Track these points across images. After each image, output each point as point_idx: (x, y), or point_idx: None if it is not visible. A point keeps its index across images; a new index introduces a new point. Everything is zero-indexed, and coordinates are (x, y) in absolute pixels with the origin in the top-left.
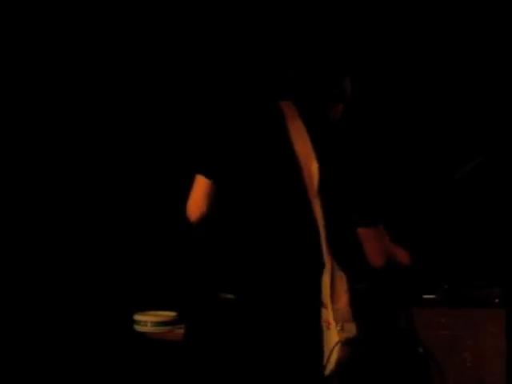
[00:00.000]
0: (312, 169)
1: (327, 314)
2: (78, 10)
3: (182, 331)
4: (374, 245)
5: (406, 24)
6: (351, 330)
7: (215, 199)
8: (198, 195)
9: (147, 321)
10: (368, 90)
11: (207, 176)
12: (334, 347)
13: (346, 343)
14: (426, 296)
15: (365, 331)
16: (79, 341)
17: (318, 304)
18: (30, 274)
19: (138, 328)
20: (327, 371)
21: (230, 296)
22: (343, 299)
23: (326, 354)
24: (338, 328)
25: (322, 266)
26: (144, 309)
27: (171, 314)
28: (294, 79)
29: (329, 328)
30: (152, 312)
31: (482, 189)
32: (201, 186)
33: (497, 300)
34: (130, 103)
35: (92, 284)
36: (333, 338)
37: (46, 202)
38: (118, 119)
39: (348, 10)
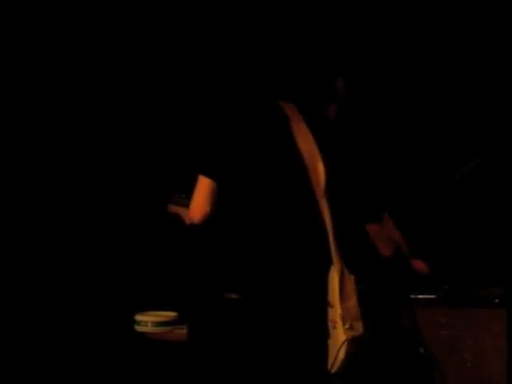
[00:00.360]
0: (318, 169)
1: (334, 314)
2: (78, 10)
3: (182, 331)
4: (380, 237)
5: (406, 24)
6: (359, 328)
7: (219, 200)
8: (202, 196)
9: (148, 321)
10: (369, 90)
11: (210, 177)
12: (341, 346)
13: (352, 341)
14: (426, 296)
15: (370, 331)
16: (80, 341)
17: (324, 304)
18: (31, 274)
19: (138, 328)
20: (334, 369)
21: (234, 296)
22: (352, 298)
23: (333, 352)
24: (347, 326)
25: (328, 266)
26: (144, 309)
27: (172, 314)
28: (294, 79)
29: (335, 327)
30: (152, 312)
31: (482, 189)
32: (204, 187)
33: (497, 300)
34: (131, 104)
35: (93, 284)
36: (340, 336)
37: (47, 202)
38: (119, 120)
39: (347, 11)
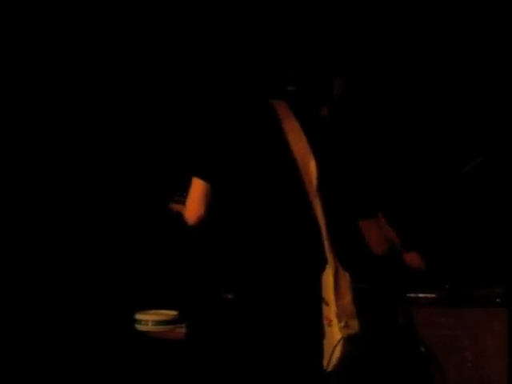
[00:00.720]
0: (310, 167)
1: (328, 312)
2: (78, 10)
3: (182, 330)
4: (374, 234)
5: (406, 24)
6: (354, 326)
7: (214, 201)
8: (196, 197)
9: (148, 320)
10: (370, 88)
11: (204, 178)
12: (336, 344)
13: (348, 339)
14: (426, 295)
15: (365, 329)
16: (80, 340)
17: (319, 302)
18: (31, 274)
19: (139, 327)
20: (330, 367)
21: (230, 296)
22: (347, 296)
23: (328, 350)
24: (342, 324)
25: (323, 264)
26: (145, 308)
27: (172, 313)
28: (293, 79)
29: (330, 325)
30: (153, 311)
31: (482, 189)
32: (198, 188)
33: (498, 300)
34: (130, 104)
35: (93, 283)
36: (335, 334)
37: (47, 202)
38: (118, 120)
39: (347, 11)
